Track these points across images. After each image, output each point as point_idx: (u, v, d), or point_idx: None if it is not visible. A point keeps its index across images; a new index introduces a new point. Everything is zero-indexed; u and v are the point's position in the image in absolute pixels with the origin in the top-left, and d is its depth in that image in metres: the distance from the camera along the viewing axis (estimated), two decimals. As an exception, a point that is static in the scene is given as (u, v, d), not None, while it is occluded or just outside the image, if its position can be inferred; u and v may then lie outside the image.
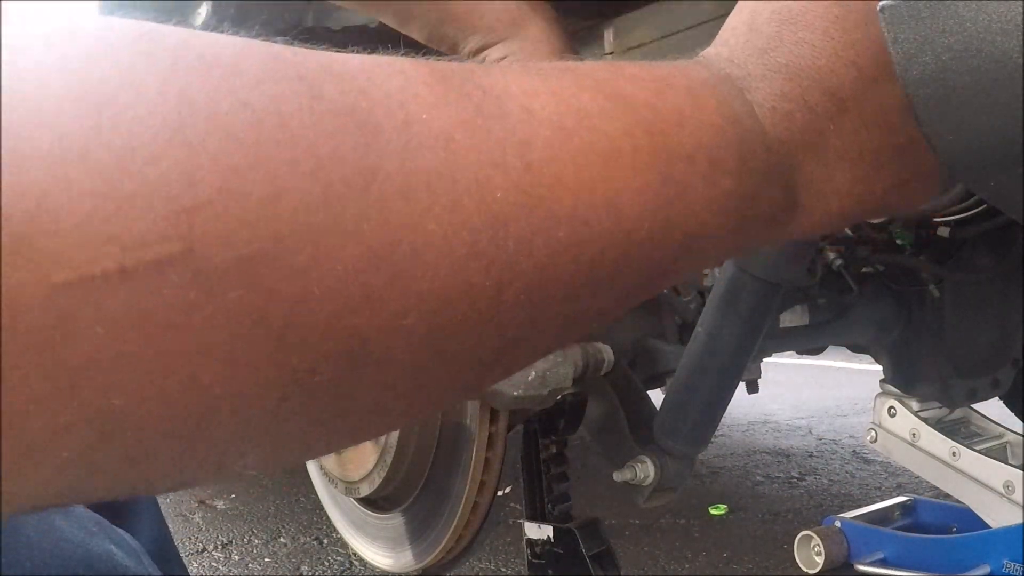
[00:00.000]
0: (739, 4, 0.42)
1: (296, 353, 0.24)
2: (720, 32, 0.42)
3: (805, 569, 1.23)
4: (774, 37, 0.39)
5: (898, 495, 1.37)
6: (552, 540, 1.07)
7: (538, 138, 0.29)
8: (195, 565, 2.17)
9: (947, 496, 1.21)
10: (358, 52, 0.35)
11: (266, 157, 0.23)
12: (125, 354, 0.22)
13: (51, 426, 0.22)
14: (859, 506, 1.34)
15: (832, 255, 1.11)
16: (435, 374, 0.29)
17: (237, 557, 2.23)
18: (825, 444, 3.20)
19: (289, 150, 0.24)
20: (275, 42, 0.27)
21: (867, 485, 2.65)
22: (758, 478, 2.78)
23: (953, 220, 1.08)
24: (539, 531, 1.08)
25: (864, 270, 1.19)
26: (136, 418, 0.23)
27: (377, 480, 1.09)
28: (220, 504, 2.70)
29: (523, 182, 0.28)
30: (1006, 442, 1.24)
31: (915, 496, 1.36)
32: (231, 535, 2.40)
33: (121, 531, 0.60)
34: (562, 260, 0.29)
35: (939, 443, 1.18)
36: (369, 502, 1.18)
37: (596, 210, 0.30)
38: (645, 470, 0.96)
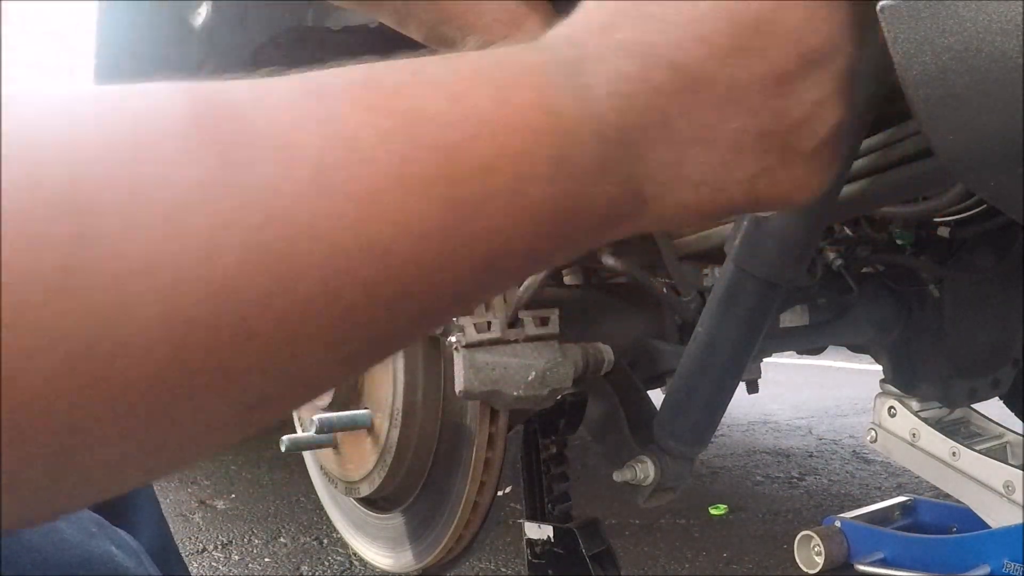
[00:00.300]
0: None
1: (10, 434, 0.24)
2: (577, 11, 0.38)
3: (805, 569, 1.23)
4: (618, 11, 0.35)
5: (898, 495, 1.37)
6: (552, 540, 1.07)
7: (288, 183, 0.27)
8: (195, 565, 2.17)
9: (947, 496, 1.22)
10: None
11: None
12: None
13: None
14: (859, 506, 1.34)
15: (832, 255, 1.11)
16: (171, 444, 0.28)
17: (237, 557, 2.23)
18: (825, 444, 3.20)
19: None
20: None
21: (867, 485, 2.65)
22: (758, 478, 2.78)
23: (953, 220, 1.08)
24: (539, 531, 1.08)
25: (864, 270, 1.19)
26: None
27: (377, 480, 1.09)
28: (220, 504, 2.70)
29: (259, 239, 0.26)
30: (1006, 442, 1.24)
31: (915, 496, 1.36)
32: (231, 535, 2.40)
33: (121, 532, 0.60)
34: (310, 311, 0.27)
35: (939, 443, 1.18)
36: (369, 502, 1.18)
37: (350, 255, 0.28)
38: (645, 470, 0.96)
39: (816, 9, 0.36)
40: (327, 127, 0.28)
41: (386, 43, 0.85)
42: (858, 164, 0.83)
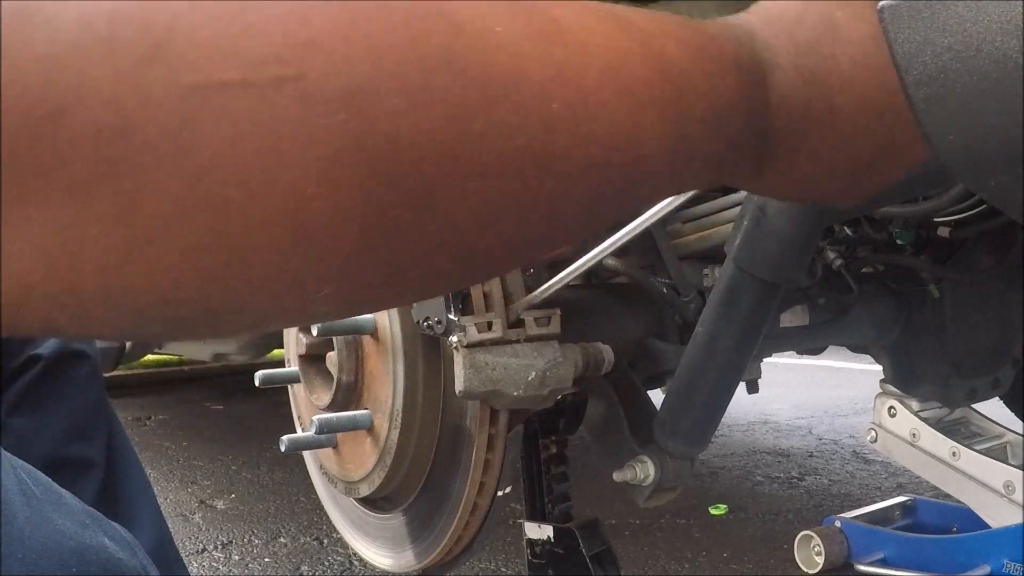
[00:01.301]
0: None
1: (383, 183, 0.28)
2: (770, 3, 0.46)
3: (805, 569, 1.23)
4: (813, 42, 0.44)
5: (898, 495, 1.38)
6: (552, 540, 1.07)
7: (591, 70, 0.34)
8: (195, 565, 2.17)
9: (947, 496, 1.22)
10: None
11: (369, 19, 0.28)
12: (241, 154, 0.26)
13: (172, 212, 0.25)
14: (859, 506, 1.34)
15: (832, 255, 1.11)
16: (493, 232, 0.33)
17: (237, 557, 2.23)
18: (825, 444, 3.20)
19: (387, 19, 0.28)
20: None
21: (867, 485, 2.65)
22: (758, 478, 2.78)
23: (953, 220, 1.08)
24: (539, 531, 1.08)
25: (864, 270, 1.19)
26: (243, 215, 0.26)
27: (377, 480, 1.09)
28: (220, 504, 2.70)
29: (575, 100, 0.33)
30: (1006, 442, 1.24)
31: (915, 496, 1.37)
32: (231, 535, 2.40)
33: (115, 524, 0.60)
34: (591, 182, 0.35)
35: (939, 443, 1.18)
36: (369, 502, 1.18)
37: (624, 145, 0.35)
38: (645, 470, 0.96)
39: None
40: (609, 39, 0.36)
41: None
42: (858, 164, 0.83)
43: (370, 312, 0.34)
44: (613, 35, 0.36)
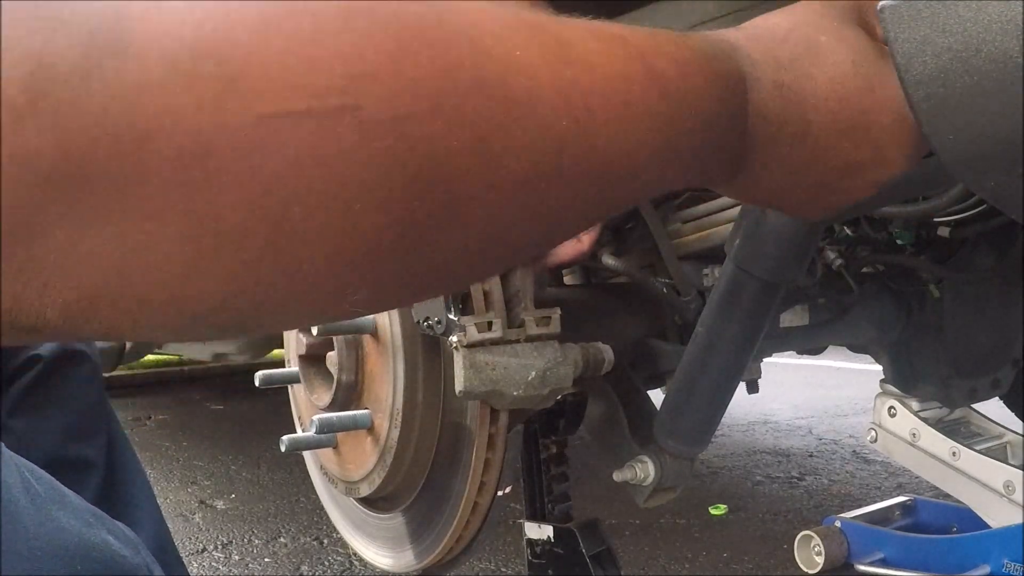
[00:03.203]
0: (791, 8, 0.51)
1: (420, 197, 0.32)
2: (765, 19, 0.50)
3: (805, 569, 1.23)
4: (793, 60, 0.48)
5: (898, 495, 1.37)
6: (552, 540, 1.07)
7: (596, 89, 0.37)
8: (195, 565, 2.17)
9: (947, 496, 1.21)
10: None
11: (413, 52, 0.31)
12: (303, 175, 0.29)
13: (239, 229, 0.28)
14: (859, 506, 1.34)
15: (832, 255, 1.11)
16: (506, 237, 0.37)
17: (237, 557, 2.23)
18: (825, 444, 3.20)
19: (428, 52, 0.31)
20: None
21: (867, 485, 2.65)
22: (758, 478, 2.78)
23: (953, 220, 1.08)
24: (539, 531, 1.08)
25: (864, 270, 1.19)
26: (301, 229, 0.30)
27: (377, 480, 1.09)
28: (220, 504, 2.70)
29: (582, 118, 0.36)
30: (1006, 442, 1.24)
31: (915, 496, 1.36)
32: (231, 535, 2.40)
33: (119, 523, 0.60)
34: (592, 189, 0.39)
35: (939, 443, 1.18)
36: (369, 502, 1.18)
37: (623, 156, 0.39)
38: (645, 470, 0.96)
39: (904, 139, 0.49)
40: (608, 60, 0.39)
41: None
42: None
43: (390, 309, 0.38)
44: (615, 54, 0.39)
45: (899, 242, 1.13)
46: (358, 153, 0.30)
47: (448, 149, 0.32)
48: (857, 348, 1.32)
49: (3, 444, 0.55)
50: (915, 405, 1.23)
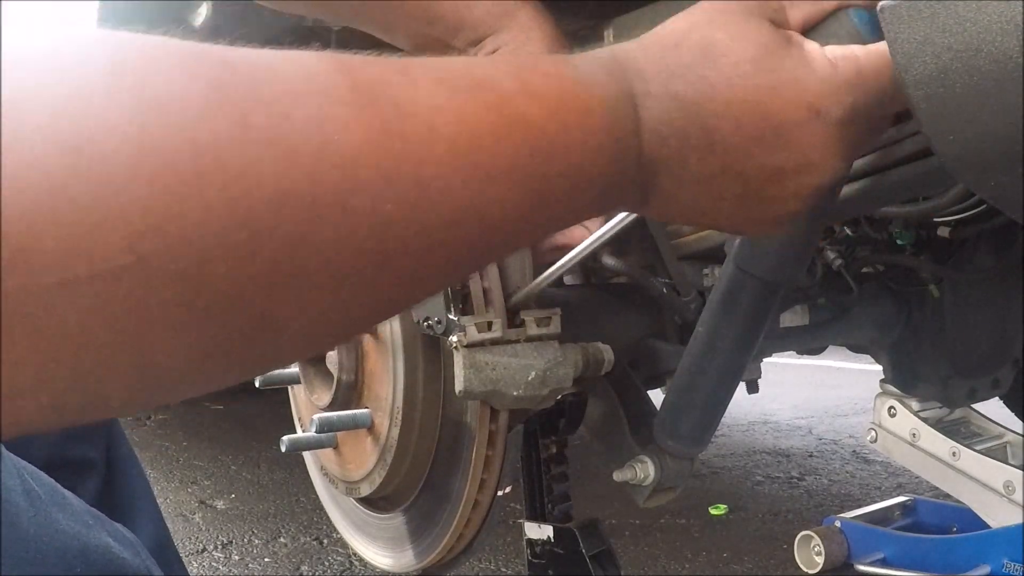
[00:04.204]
0: (691, 9, 0.47)
1: (223, 324, 0.32)
2: (663, 25, 0.47)
3: (805, 569, 1.23)
4: (687, 65, 0.44)
5: (898, 495, 1.37)
6: (552, 540, 1.07)
7: (433, 157, 0.35)
8: (195, 565, 2.17)
9: (947, 496, 1.22)
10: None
11: (202, 188, 0.30)
12: (96, 333, 0.29)
13: (38, 378, 0.29)
14: (859, 506, 1.34)
15: (832, 255, 1.11)
16: (338, 321, 0.36)
17: (237, 557, 2.23)
18: (825, 444, 3.20)
19: (221, 179, 0.30)
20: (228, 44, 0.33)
21: (867, 485, 2.65)
22: (758, 478, 2.78)
23: (953, 220, 1.08)
24: (539, 531, 1.08)
25: (864, 270, 1.19)
26: (102, 372, 0.30)
27: (378, 480, 1.08)
28: (220, 504, 2.69)
29: (411, 195, 0.34)
30: (1006, 442, 1.24)
31: (915, 496, 1.36)
32: (231, 535, 2.40)
33: (118, 525, 0.60)
34: (430, 258, 0.37)
35: (939, 443, 1.18)
36: (369, 502, 1.18)
37: (468, 221, 0.37)
38: (645, 470, 0.96)
39: (826, 137, 0.46)
40: (459, 117, 0.36)
41: (385, 42, 0.85)
42: (858, 164, 0.83)
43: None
44: (464, 108, 0.37)
45: (899, 242, 1.13)
46: (148, 305, 0.30)
47: (247, 276, 0.31)
48: (857, 348, 1.32)
49: (3, 446, 0.55)
50: (915, 405, 1.23)
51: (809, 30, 0.50)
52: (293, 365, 1.21)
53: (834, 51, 0.47)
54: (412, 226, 0.35)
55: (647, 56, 0.45)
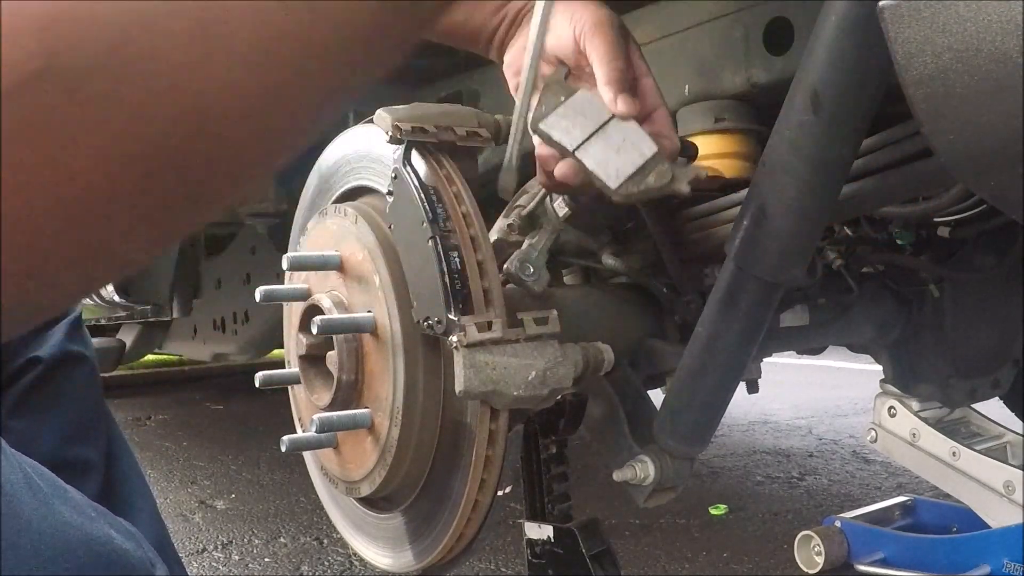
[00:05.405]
0: None
1: (149, 126, 0.29)
2: None
3: (805, 569, 1.23)
4: None
5: (898, 495, 1.37)
6: (552, 540, 1.07)
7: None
8: (195, 565, 2.17)
9: (947, 496, 1.22)
10: None
11: None
12: (20, 156, 0.27)
13: None
14: (859, 506, 1.34)
15: (832, 255, 1.11)
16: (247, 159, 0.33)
17: (237, 557, 2.23)
18: (825, 444, 3.20)
19: None
20: None
21: (867, 485, 2.65)
22: (758, 478, 2.78)
23: (953, 220, 1.08)
24: (539, 531, 1.08)
25: (864, 270, 1.19)
26: (34, 212, 0.28)
27: (378, 479, 1.08)
28: (220, 504, 2.70)
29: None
30: (1006, 442, 1.24)
31: (915, 496, 1.36)
32: (231, 535, 2.40)
33: (120, 518, 0.60)
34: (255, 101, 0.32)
35: (939, 443, 1.18)
36: (369, 502, 1.18)
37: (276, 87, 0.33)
38: (645, 470, 0.96)
39: None
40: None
41: None
42: (858, 164, 0.83)
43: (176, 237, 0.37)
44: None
45: (899, 242, 1.13)
46: (68, 116, 0.28)
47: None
48: (857, 348, 1.32)
49: (4, 443, 0.55)
50: (915, 405, 1.23)
51: None
52: (293, 365, 1.21)
53: None
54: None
55: None
